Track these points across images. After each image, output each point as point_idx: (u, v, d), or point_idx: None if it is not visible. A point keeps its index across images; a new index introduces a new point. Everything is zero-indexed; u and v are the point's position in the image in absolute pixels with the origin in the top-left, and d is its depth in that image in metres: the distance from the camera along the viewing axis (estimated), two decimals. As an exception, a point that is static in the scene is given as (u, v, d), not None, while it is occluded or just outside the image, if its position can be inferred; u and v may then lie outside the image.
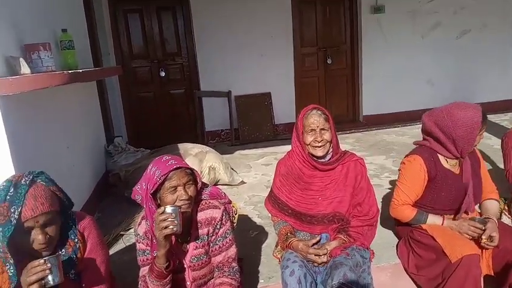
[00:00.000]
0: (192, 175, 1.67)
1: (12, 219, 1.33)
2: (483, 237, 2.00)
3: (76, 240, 1.56)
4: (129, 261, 2.39)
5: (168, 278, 1.61)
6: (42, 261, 1.34)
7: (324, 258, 1.96)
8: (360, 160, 2.16)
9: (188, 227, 1.73)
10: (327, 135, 2.03)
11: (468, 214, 2.22)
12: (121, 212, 3.18)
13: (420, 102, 5.99)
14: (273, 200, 2.22)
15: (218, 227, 1.74)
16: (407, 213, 2.20)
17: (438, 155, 2.20)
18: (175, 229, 1.51)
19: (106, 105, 5.05)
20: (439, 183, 2.17)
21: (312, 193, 2.10)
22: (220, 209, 1.76)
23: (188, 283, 1.77)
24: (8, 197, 1.35)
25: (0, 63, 1.88)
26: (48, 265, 1.33)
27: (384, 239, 2.52)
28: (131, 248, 2.64)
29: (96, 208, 3.39)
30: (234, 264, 1.78)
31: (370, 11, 6.09)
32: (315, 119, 2.03)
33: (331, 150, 2.10)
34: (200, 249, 1.75)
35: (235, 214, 2.00)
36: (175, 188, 1.61)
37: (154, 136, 5.65)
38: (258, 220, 2.99)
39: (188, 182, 1.64)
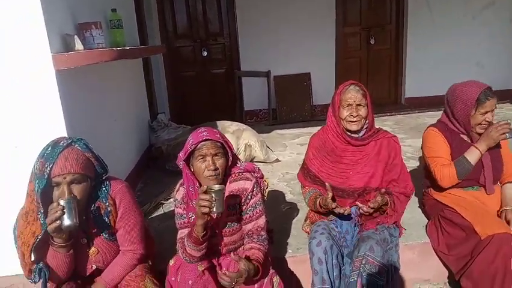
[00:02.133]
0: (223, 148, 1.75)
1: (45, 173, 1.53)
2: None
3: (107, 204, 1.71)
4: (168, 226, 2.58)
5: (204, 244, 1.73)
6: (55, 204, 1.53)
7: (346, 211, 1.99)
8: (394, 138, 2.17)
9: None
10: (362, 111, 2.05)
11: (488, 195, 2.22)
12: (162, 183, 3.39)
13: (467, 86, 5.73)
14: (305, 172, 2.27)
15: (249, 197, 1.84)
16: (447, 171, 2.18)
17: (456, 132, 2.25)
18: (213, 210, 1.60)
19: (151, 82, 5.27)
20: (456, 150, 2.20)
21: (343, 166, 2.14)
22: (251, 181, 1.85)
23: (220, 247, 1.90)
24: (45, 155, 1.56)
25: (57, 41, 2.05)
26: (60, 206, 1.52)
27: (414, 219, 2.53)
28: (170, 215, 2.83)
29: (139, 179, 3.63)
30: (262, 233, 1.87)
31: (418, -11, 5.86)
32: (353, 94, 2.05)
33: (366, 126, 2.12)
34: (232, 217, 1.86)
35: (266, 188, 2.09)
36: (204, 157, 1.71)
37: (195, 113, 5.83)
38: (290, 196, 3.09)
39: (217, 154, 1.72)
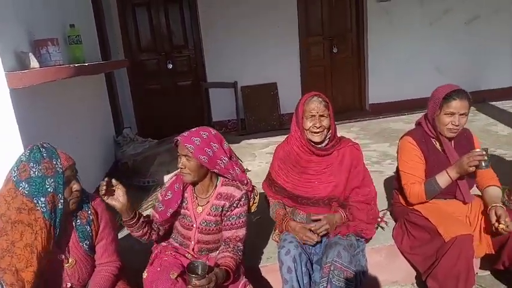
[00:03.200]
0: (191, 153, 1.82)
1: (58, 168, 1.55)
2: (501, 223, 1.98)
3: (90, 212, 1.72)
4: (136, 244, 2.51)
5: (135, 227, 1.84)
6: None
7: (317, 238, 2.05)
8: (355, 145, 2.23)
9: (209, 195, 1.93)
10: (325, 122, 2.10)
11: (465, 204, 2.23)
12: (130, 199, 3.30)
13: (428, 90, 5.81)
14: (269, 183, 2.31)
15: (235, 205, 1.89)
16: (417, 190, 2.17)
17: (430, 136, 2.24)
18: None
19: (115, 97, 5.18)
20: (432, 164, 2.20)
21: (309, 177, 2.18)
22: (241, 190, 1.91)
23: (192, 242, 1.95)
24: (44, 155, 1.55)
25: (11, 58, 1.99)
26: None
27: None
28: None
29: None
30: (239, 244, 1.91)
31: (376, -2, 6.07)
32: (316, 105, 2.09)
33: (328, 136, 2.16)
34: (211, 217, 1.91)
35: (256, 196, 2.09)
36: (179, 155, 1.84)
37: (162, 127, 5.75)
38: (260, 206, 3.08)
39: (187, 156, 1.82)
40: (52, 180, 1.54)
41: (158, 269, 1.85)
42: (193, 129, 1.89)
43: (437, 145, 2.24)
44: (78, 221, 1.70)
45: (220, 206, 1.90)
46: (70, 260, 1.70)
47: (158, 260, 1.92)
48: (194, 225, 1.93)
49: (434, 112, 2.15)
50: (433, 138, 2.25)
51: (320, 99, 2.11)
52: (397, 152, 2.34)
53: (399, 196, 2.40)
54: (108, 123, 4.30)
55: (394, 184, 2.49)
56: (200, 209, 1.94)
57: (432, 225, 2.09)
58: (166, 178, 3.22)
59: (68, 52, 2.85)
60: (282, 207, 2.23)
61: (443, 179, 2.13)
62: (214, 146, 1.87)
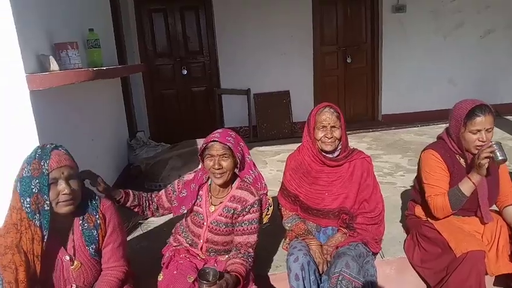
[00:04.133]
0: (230, 151, 1.86)
1: (44, 170, 1.53)
2: None
3: (97, 216, 1.71)
4: (146, 247, 2.54)
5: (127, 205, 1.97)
6: None
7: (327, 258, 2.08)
8: (366, 158, 2.22)
9: (224, 196, 1.96)
10: (337, 133, 2.10)
11: (483, 223, 2.17)
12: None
13: (441, 102, 5.92)
14: (285, 194, 2.31)
15: (247, 210, 1.90)
16: (441, 202, 2.08)
17: (453, 152, 2.16)
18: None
19: (130, 101, 5.26)
20: (456, 180, 2.10)
21: (319, 188, 2.19)
22: (255, 196, 1.93)
23: (201, 240, 1.97)
24: (37, 155, 1.56)
25: (32, 61, 2.04)
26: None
27: (390, 234, 2.57)
28: (149, 235, 2.80)
29: (118, 198, 3.57)
30: (250, 250, 1.91)
31: (391, 10, 6.09)
32: (327, 116, 2.09)
33: (339, 147, 2.17)
34: (222, 218, 1.93)
35: (270, 206, 2.11)
36: (212, 156, 1.86)
37: (175, 131, 5.83)
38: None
39: (224, 155, 1.85)
40: (37, 181, 1.53)
41: (175, 272, 1.86)
42: (219, 131, 1.92)
43: (461, 161, 2.17)
44: (85, 224, 1.68)
45: (232, 208, 1.92)
46: (75, 263, 1.70)
47: (174, 263, 1.93)
48: (205, 224, 1.95)
49: (458, 131, 2.06)
50: (457, 154, 2.17)
51: (332, 110, 2.12)
52: (418, 165, 2.28)
53: (415, 208, 2.36)
54: (122, 127, 4.37)
55: (412, 195, 2.44)
56: (213, 208, 1.96)
57: (443, 239, 2.06)
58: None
59: (86, 56, 2.91)
60: (302, 221, 2.22)
61: (466, 186, 2.02)
62: (241, 145, 1.94)
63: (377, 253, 2.23)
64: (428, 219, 2.23)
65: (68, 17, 2.81)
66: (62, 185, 1.55)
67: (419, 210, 2.33)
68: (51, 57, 2.11)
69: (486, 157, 1.92)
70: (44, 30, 2.28)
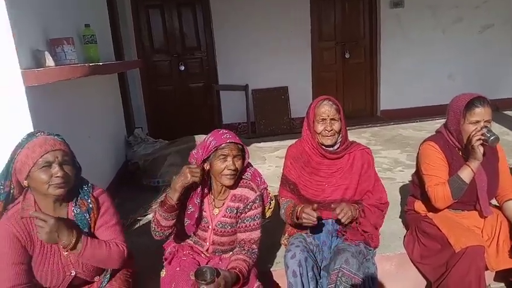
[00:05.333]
0: (242, 151, 1.85)
1: (14, 154, 1.59)
2: None
3: (90, 201, 1.70)
4: (145, 243, 2.52)
5: (174, 213, 1.80)
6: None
7: (316, 215, 1.96)
8: (366, 149, 2.20)
9: (225, 197, 1.93)
10: (336, 126, 2.09)
11: (482, 217, 2.18)
12: (139, 199, 3.33)
13: (440, 98, 5.84)
14: (284, 183, 2.27)
15: (249, 207, 1.90)
16: (441, 191, 2.07)
17: (452, 145, 2.16)
18: (194, 179, 1.73)
19: (128, 97, 5.22)
20: (455, 171, 2.10)
21: (319, 179, 2.16)
22: (256, 192, 1.92)
23: (207, 243, 1.95)
24: (22, 141, 1.61)
25: (28, 57, 2.01)
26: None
27: (390, 230, 2.56)
28: (147, 231, 2.78)
29: (116, 195, 3.54)
30: (254, 246, 1.91)
31: (389, 5, 6.07)
32: (327, 108, 2.08)
33: (339, 140, 2.15)
34: (227, 219, 1.92)
35: (272, 200, 2.10)
36: (226, 157, 1.80)
37: (173, 128, 5.81)
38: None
39: (238, 155, 1.82)
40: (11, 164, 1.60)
41: (178, 268, 1.84)
42: (224, 130, 1.88)
43: (460, 153, 2.16)
44: (78, 209, 1.69)
45: (235, 207, 1.91)
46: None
47: (177, 259, 1.91)
48: (210, 227, 1.93)
49: (457, 123, 2.06)
50: (455, 147, 2.17)
51: (331, 102, 2.10)
52: (417, 158, 2.28)
53: (415, 203, 2.35)
54: (120, 123, 4.33)
55: (411, 190, 2.43)
56: (216, 210, 1.94)
57: (443, 235, 2.06)
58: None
59: (82, 51, 2.88)
60: (292, 203, 2.17)
61: (465, 173, 2.02)
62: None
63: (376, 247, 2.22)
64: (428, 214, 2.23)
65: (64, 12, 2.78)
66: (56, 168, 1.57)
67: (418, 205, 2.32)
68: (46, 52, 2.08)
69: (478, 139, 1.96)
70: (40, 25, 2.25)
